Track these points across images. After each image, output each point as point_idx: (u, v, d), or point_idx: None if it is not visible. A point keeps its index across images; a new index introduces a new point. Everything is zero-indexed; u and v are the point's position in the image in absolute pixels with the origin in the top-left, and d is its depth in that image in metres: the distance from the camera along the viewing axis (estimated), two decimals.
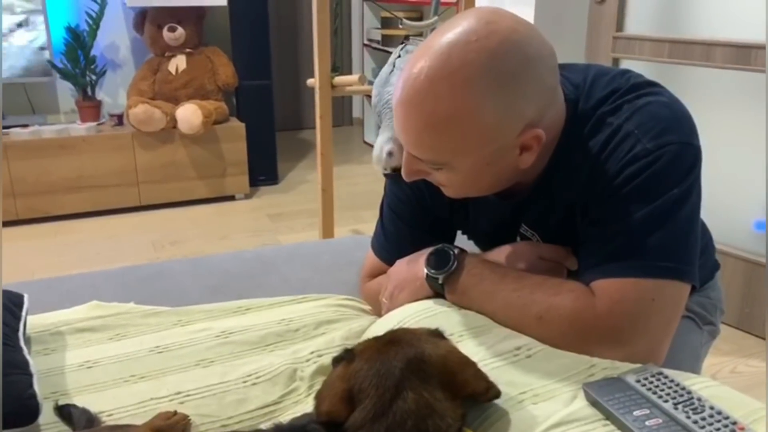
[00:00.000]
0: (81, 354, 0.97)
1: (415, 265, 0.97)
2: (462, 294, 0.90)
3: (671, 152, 0.80)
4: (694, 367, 1.08)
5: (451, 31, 0.76)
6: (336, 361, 0.70)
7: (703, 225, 1.00)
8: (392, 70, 1.03)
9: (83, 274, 1.36)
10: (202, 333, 1.02)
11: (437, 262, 0.92)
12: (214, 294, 1.18)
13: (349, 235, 2.93)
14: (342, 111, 5.15)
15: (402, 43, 1.19)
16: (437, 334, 0.71)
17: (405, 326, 0.87)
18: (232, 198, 3.53)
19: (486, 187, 0.89)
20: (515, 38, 0.76)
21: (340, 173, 3.18)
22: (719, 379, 1.87)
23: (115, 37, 3.52)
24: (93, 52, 3.29)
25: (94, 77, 3.33)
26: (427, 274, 0.93)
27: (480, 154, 0.80)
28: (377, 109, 1.04)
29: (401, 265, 1.00)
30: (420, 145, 0.81)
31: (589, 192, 0.84)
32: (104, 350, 0.98)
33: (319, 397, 0.68)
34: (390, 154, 1.02)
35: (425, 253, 0.95)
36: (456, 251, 0.92)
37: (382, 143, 1.04)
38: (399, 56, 1.07)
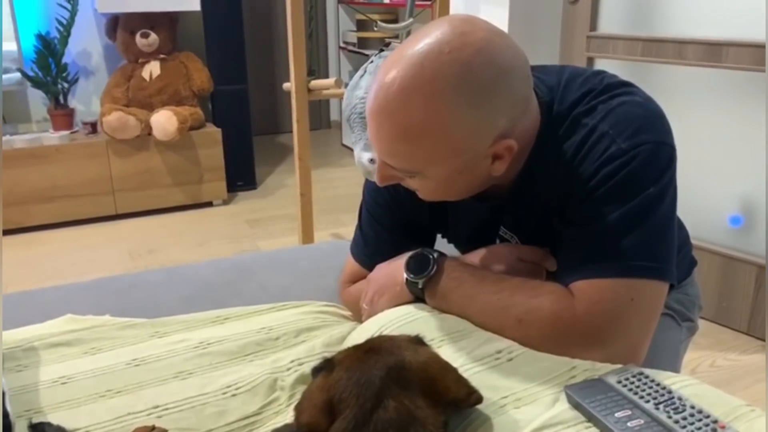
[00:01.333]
0: (55, 369, 0.94)
1: (394, 270, 0.96)
2: (442, 298, 0.90)
3: (646, 151, 0.81)
4: (674, 364, 1.09)
5: (424, 41, 0.76)
6: (315, 371, 0.69)
7: (680, 222, 1.01)
8: (363, 74, 1.03)
9: (57, 287, 1.33)
10: (179, 344, 1.00)
11: (417, 266, 0.92)
12: (191, 304, 1.17)
13: (329, 238, 2.92)
14: (319, 114, 5.13)
15: (381, 49, 1.19)
16: (417, 341, 0.70)
17: (385, 333, 0.87)
18: (209, 204, 3.50)
19: (459, 193, 0.89)
20: (489, 50, 0.76)
21: (318, 177, 3.17)
22: (698, 373, 1.89)
23: (87, 44, 3.48)
24: (64, 60, 3.24)
25: (66, 85, 3.28)
26: (406, 279, 0.92)
27: (452, 163, 0.80)
28: (346, 114, 1.04)
29: (381, 270, 1.00)
30: (392, 154, 0.81)
31: (565, 193, 0.84)
32: (79, 365, 0.96)
33: (298, 409, 0.67)
34: (372, 161, 1.02)
35: (404, 257, 0.94)
36: (435, 255, 0.92)
37: (359, 153, 1.04)
38: (371, 61, 1.07)
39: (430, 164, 0.81)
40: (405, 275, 0.92)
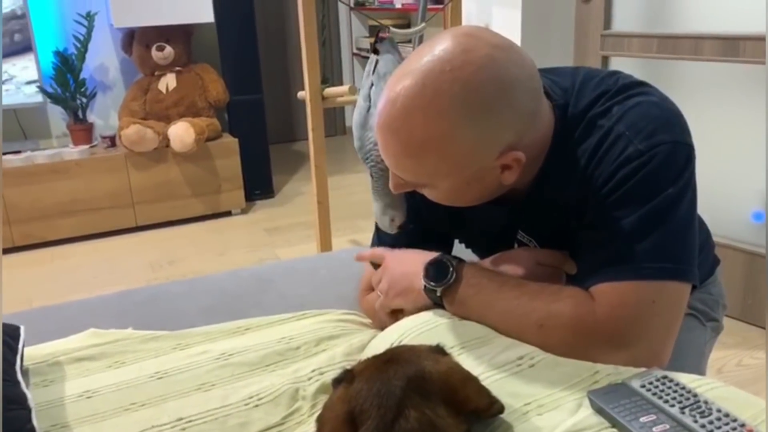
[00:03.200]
0: (80, 384, 0.95)
1: (412, 275, 0.95)
2: (461, 304, 0.90)
3: (663, 152, 0.80)
4: (700, 365, 1.07)
5: (427, 57, 0.77)
6: (336, 382, 0.69)
7: (701, 221, 1.00)
8: (369, 107, 1.03)
9: (80, 301, 1.34)
10: (201, 356, 1.00)
11: (436, 274, 0.91)
12: (211, 315, 1.17)
13: (346, 245, 2.92)
14: (334, 121, 5.15)
15: (376, 41, 1.17)
16: (438, 350, 0.70)
17: (405, 341, 0.86)
18: (228, 214, 3.52)
19: (471, 200, 0.89)
20: (491, 67, 0.76)
21: (334, 183, 3.18)
22: (725, 372, 1.87)
23: (104, 59, 3.52)
24: (82, 75, 3.29)
25: (84, 100, 3.33)
26: (425, 286, 0.92)
27: (458, 176, 0.82)
28: (361, 155, 1.04)
29: (399, 266, 0.97)
30: (399, 167, 0.83)
31: (583, 196, 0.84)
32: (103, 379, 0.97)
33: (320, 420, 0.67)
34: (393, 220, 1.04)
35: (423, 262, 0.93)
36: (454, 263, 0.91)
37: (380, 213, 1.04)
38: (372, 85, 1.07)
39: (436, 177, 0.82)
40: (423, 283, 0.92)
